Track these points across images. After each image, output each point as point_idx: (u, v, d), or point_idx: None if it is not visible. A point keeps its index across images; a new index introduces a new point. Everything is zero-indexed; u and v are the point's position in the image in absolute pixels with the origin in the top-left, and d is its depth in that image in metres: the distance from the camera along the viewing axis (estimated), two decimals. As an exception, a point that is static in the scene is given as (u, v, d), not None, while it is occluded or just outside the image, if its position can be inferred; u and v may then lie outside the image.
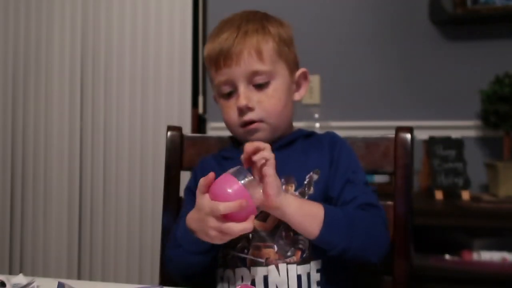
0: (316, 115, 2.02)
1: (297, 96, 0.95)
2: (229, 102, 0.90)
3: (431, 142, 1.82)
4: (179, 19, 2.17)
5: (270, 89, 0.88)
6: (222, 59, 0.88)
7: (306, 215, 0.79)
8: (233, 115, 0.89)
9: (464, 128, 1.96)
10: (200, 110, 2.21)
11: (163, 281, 0.98)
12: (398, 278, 0.91)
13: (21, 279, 0.76)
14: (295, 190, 0.85)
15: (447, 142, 1.81)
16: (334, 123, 2.02)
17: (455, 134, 1.85)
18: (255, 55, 0.87)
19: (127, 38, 2.20)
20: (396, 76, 2.04)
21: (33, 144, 2.26)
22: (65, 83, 2.25)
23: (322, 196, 0.86)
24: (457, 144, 1.80)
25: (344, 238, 0.79)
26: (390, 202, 0.94)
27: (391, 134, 0.97)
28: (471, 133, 1.96)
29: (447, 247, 1.63)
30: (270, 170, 0.76)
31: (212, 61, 0.90)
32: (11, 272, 2.22)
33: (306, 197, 0.85)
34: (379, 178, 1.84)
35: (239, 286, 0.79)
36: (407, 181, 0.93)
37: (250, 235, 0.84)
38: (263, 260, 0.82)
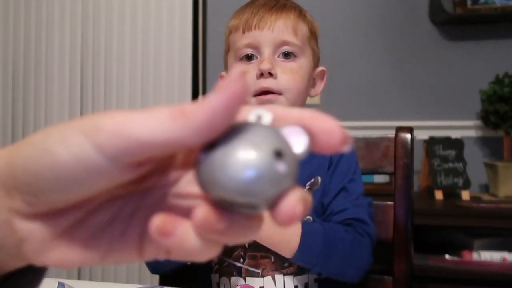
0: (316, 115, 2.02)
1: (312, 92, 0.90)
2: (247, 66, 0.81)
3: (431, 142, 1.81)
4: (179, 19, 2.17)
5: (296, 64, 0.82)
6: (255, 21, 0.81)
7: (278, 242, 0.73)
8: (250, 78, 0.79)
9: (464, 128, 1.96)
10: (200, 110, 2.21)
11: (163, 281, 0.98)
12: (398, 278, 0.91)
13: (21, 279, 0.75)
14: None
15: (447, 142, 1.81)
16: (334, 123, 2.02)
17: (455, 134, 1.85)
18: (291, 28, 0.82)
19: (127, 38, 2.20)
20: (396, 76, 2.04)
21: (33, 144, 2.26)
22: (65, 83, 2.25)
23: (320, 205, 0.83)
24: (457, 144, 1.80)
25: (319, 261, 0.74)
26: (390, 202, 0.94)
27: (391, 134, 0.97)
28: (471, 133, 1.96)
29: (447, 247, 1.63)
30: None
31: (241, 23, 0.83)
32: (11, 272, 2.21)
33: None
34: (379, 178, 1.84)
35: (239, 287, 0.79)
36: (407, 181, 0.93)
37: (247, 244, 0.81)
38: (259, 271, 0.80)
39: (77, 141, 0.22)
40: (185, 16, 2.17)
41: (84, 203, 0.25)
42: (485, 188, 1.90)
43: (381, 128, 1.89)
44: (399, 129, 0.96)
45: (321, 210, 0.83)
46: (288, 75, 0.81)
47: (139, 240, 0.27)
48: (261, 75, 0.79)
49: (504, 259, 1.55)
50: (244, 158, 0.21)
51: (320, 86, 0.92)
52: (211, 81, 2.20)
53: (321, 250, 0.74)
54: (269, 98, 0.80)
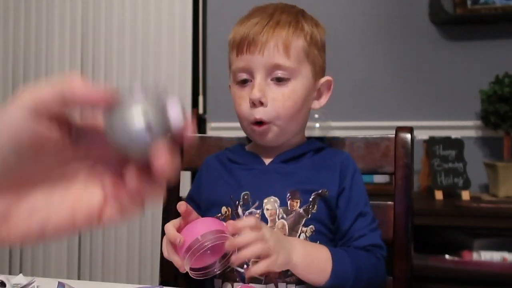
0: (316, 115, 2.02)
1: (316, 104, 0.91)
2: (242, 92, 0.84)
3: (431, 142, 1.82)
4: (179, 19, 2.17)
5: (288, 88, 0.83)
6: (246, 44, 0.82)
7: (314, 272, 0.76)
8: (245, 106, 0.83)
9: (464, 128, 1.96)
10: (200, 110, 2.21)
11: (163, 281, 0.98)
12: (398, 278, 0.91)
13: (21, 279, 0.76)
14: (300, 206, 0.83)
15: (447, 142, 1.81)
16: (334, 123, 2.02)
17: (455, 134, 1.85)
18: (282, 48, 0.81)
19: (127, 38, 2.20)
20: (396, 76, 2.04)
21: (33, 144, 2.26)
22: (65, 83, 2.25)
23: (326, 215, 0.84)
24: (457, 144, 1.80)
25: (349, 286, 0.78)
26: (390, 202, 0.94)
27: (391, 134, 0.97)
28: (471, 133, 1.96)
29: (447, 247, 1.63)
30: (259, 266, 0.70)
31: (235, 44, 0.84)
32: (11, 272, 2.22)
33: (309, 215, 0.83)
34: (379, 178, 1.84)
35: (240, 286, 0.79)
36: (407, 181, 0.93)
37: None
38: (262, 278, 0.80)
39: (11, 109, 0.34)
40: (185, 16, 2.17)
41: (25, 183, 0.36)
42: (485, 188, 1.90)
43: (381, 128, 1.89)
44: (399, 129, 0.96)
45: (328, 222, 0.85)
46: (279, 103, 0.82)
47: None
48: (253, 103, 0.82)
49: (504, 259, 1.55)
50: (127, 127, 0.35)
51: (326, 97, 0.92)
52: (211, 81, 2.20)
53: (351, 277, 0.77)
54: (262, 129, 0.83)
